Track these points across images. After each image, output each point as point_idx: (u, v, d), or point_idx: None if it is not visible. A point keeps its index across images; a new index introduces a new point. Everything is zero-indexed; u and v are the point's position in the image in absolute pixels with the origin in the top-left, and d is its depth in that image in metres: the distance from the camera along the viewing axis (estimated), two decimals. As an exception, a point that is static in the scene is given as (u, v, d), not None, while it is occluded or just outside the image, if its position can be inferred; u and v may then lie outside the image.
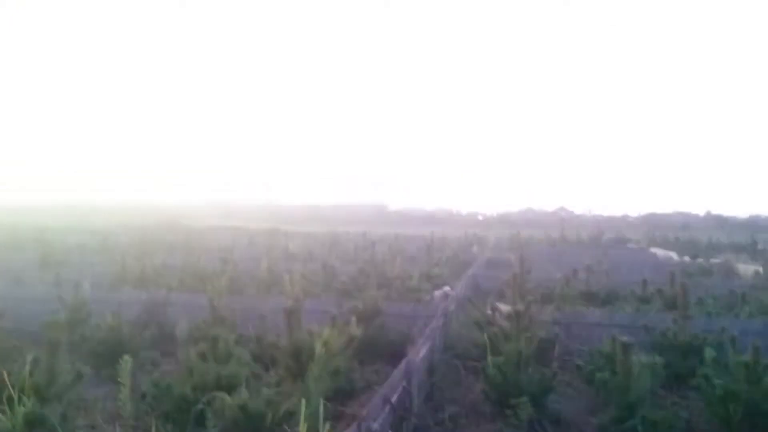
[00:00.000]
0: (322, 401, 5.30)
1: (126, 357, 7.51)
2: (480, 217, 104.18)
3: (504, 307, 12.07)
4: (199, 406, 7.17)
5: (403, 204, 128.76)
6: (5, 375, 7.04)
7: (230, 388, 7.57)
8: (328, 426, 4.99)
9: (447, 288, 16.46)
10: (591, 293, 16.73)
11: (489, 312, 11.98)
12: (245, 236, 38.68)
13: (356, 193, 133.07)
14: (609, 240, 45.32)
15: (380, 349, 10.75)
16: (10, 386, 6.85)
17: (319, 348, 7.02)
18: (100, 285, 15.82)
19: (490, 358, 9.13)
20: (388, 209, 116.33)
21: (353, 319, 9.18)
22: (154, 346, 11.12)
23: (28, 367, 7.38)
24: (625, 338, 8.66)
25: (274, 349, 8.27)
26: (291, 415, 6.64)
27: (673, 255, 31.31)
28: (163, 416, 7.41)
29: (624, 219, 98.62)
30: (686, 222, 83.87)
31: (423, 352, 9.29)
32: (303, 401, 4.95)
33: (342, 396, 8.07)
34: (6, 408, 6.60)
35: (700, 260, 28.40)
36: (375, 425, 5.89)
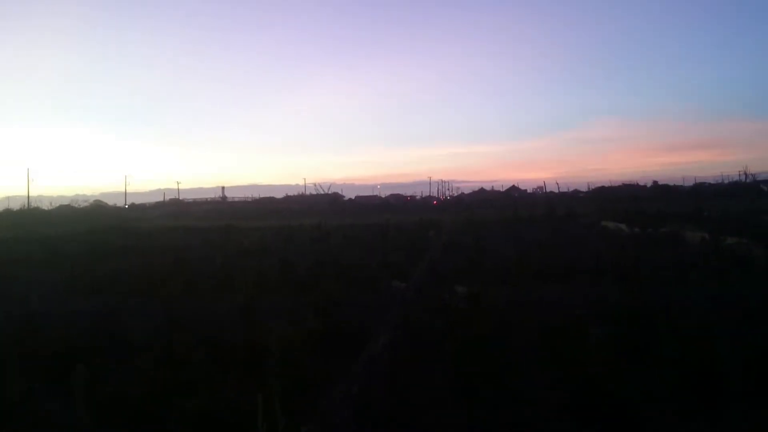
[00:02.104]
0: (277, 396, 5.22)
1: (79, 366, 7.33)
2: (435, 202, 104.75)
3: (461, 290, 12.18)
4: (159, 413, 7.05)
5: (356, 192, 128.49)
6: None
7: (189, 393, 7.46)
8: (284, 421, 4.93)
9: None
10: (545, 270, 16.94)
11: (446, 296, 12.04)
12: (198, 235, 38.13)
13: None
14: (561, 216, 46.01)
15: (340, 341, 10.68)
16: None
17: (274, 344, 6.94)
18: (50, 296, 15.40)
19: (451, 340, 9.18)
20: (342, 199, 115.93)
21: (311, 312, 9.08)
22: (108, 355, 10.88)
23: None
24: (580, 312, 8.81)
25: (231, 349, 8.14)
26: (252, 415, 6.55)
27: (623, 227, 31.94)
28: (122, 425, 7.26)
29: (575, 195, 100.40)
30: (634, 194, 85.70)
31: (383, 340, 9.30)
32: (259, 397, 4.86)
33: (302, 390, 8.00)
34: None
35: (649, 230, 29.08)
36: (337, 418, 5.86)
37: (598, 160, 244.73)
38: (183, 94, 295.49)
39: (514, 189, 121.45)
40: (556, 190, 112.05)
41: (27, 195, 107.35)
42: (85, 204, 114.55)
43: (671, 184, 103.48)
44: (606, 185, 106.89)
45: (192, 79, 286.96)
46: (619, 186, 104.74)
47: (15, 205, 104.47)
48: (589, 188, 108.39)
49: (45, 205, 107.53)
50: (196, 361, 8.38)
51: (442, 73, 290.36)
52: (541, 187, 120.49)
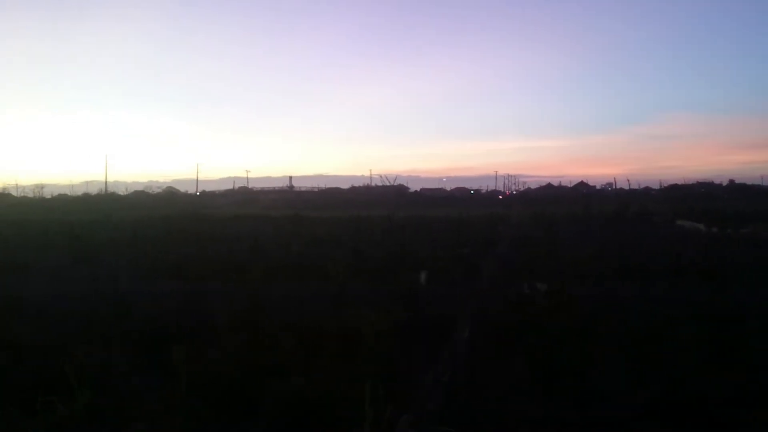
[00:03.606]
0: (381, 384, 5.33)
1: (179, 346, 7.61)
2: (500, 197, 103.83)
3: (540, 286, 12.11)
4: (252, 394, 7.28)
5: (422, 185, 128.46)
6: (63, 367, 7.21)
7: (279, 375, 7.67)
8: (390, 409, 5.04)
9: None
10: (623, 268, 16.63)
11: (526, 291, 11.98)
12: (269, 224, 38.88)
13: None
14: (634, 214, 44.93)
15: (422, 331, 10.77)
16: (69, 377, 7.01)
17: (367, 331, 7.07)
18: (135, 278, 16.03)
19: (532, 335, 9.16)
20: (407, 191, 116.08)
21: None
22: (196, 336, 11.26)
23: (82, 360, 7.56)
24: (666, 311, 8.65)
25: (319, 335, 8.32)
26: (344, 400, 6.71)
27: (701, 227, 31.03)
28: (214, 405, 7.50)
29: (646, 192, 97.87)
30: (709, 192, 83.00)
31: (464, 332, 9.35)
32: (368, 385, 4.99)
33: (392, 378, 8.13)
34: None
35: (728, 231, 28.17)
36: (429, 406, 5.95)
37: (671, 156, 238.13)
38: (252, 84, 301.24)
39: (582, 185, 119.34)
40: (627, 187, 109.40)
41: (105, 180, 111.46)
42: (158, 190, 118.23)
43: (749, 183, 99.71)
44: (679, 183, 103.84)
45: (261, 69, 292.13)
46: (693, 184, 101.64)
47: (93, 190, 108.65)
48: (661, 186, 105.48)
49: (121, 191, 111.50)
50: (284, 345, 8.59)
51: (511, 65, 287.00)
52: (610, 184, 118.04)
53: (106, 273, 17.23)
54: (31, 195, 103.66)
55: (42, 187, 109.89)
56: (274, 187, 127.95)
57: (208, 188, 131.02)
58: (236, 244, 24.38)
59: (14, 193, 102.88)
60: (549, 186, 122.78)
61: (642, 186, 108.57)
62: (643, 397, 8.40)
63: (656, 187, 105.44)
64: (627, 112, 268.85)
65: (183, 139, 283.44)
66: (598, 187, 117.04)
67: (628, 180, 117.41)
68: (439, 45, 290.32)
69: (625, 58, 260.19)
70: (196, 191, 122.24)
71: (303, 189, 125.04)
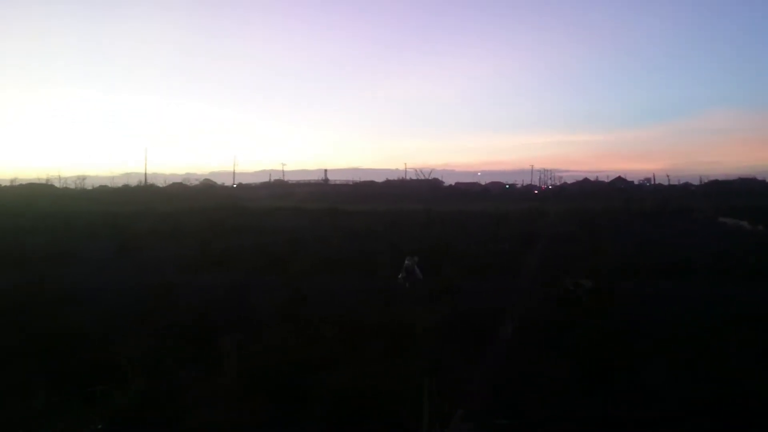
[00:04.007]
0: (433, 379, 5.38)
1: (225, 338, 7.75)
2: (536, 191, 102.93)
3: (584, 282, 12.02)
4: (300, 385, 7.38)
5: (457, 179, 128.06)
6: (116, 356, 7.40)
7: (326, 368, 7.76)
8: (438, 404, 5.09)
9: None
10: (666, 265, 16.40)
11: (570, 287, 11.90)
12: (305, 217, 39.15)
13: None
14: (674, 210, 44.19)
15: (462, 326, 10.77)
16: (124, 367, 7.20)
17: (418, 326, 7.13)
18: (179, 270, 16.30)
19: (578, 333, 9.11)
20: (442, 185, 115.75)
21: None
22: (239, 328, 11.42)
23: (134, 350, 7.76)
24: (711, 311, 8.53)
25: (364, 329, 8.40)
26: (394, 393, 6.77)
27: (745, 224, 30.39)
28: (263, 396, 7.60)
29: (686, 188, 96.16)
30: (752, 189, 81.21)
31: (508, 328, 9.35)
32: (426, 380, 5.04)
33: (437, 374, 8.17)
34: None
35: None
36: (478, 401, 5.98)
37: (712, 152, 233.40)
38: (287, 78, 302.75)
39: (619, 180, 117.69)
40: (666, 183, 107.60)
41: (144, 172, 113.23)
42: (196, 183, 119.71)
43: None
44: (720, 179, 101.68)
45: (298, 62, 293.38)
46: (735, 180, 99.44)
47: (132, 182, 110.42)
48: (701, 181, 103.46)
49: (159, 183, 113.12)
50: (330, 338, 8.69)
51: (546, 58, 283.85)
52: (648, 179, 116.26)
53: (149, 264, 17.57)
54: (72, 186, 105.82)
55: (84, 178, 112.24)
56: (309, 180, 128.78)
57: (245, 181, 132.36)
58: (275, 237, 24.63)
59: (57, 185, 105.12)
60: (586, 181, 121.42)
61: (681, 182, 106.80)
62: (688, 397, 8.32)
63: (696, 182, 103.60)
64: (666, 107, 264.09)
65: (220, 132, 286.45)
66: (636, 182, 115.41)
67: (668, 175, 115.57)
68: (476, 37, 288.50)
69: (665, 52, 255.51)
70: (233, 184, 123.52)
71: (338, 182, 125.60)
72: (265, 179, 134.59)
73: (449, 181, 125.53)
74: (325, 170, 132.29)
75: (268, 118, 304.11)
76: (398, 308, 8.78)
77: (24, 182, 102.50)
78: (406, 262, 13.66)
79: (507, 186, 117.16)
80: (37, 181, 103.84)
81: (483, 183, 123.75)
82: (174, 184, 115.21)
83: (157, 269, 15.97)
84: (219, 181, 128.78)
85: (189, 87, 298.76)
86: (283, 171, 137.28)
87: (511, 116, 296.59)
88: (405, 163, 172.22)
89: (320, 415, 6.72)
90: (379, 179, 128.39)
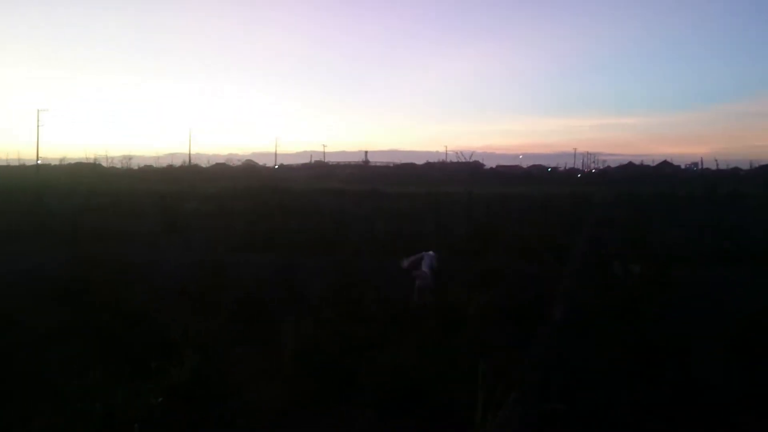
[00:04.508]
0: (486, 364, 5.36)
1: (286, 318, 7.82)
2: (578, 175, 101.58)
3: (634, 267, 11.84)
4: (350, 365, 7.45)
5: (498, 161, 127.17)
6: (171, 333, 7.56)
7: (376, 349, 7.81)
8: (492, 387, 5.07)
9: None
10: (719, 252, 16.03)
11: (619, 273, 11.75)
12: (347, 199, 39.30)
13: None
14: (724, 195, 43.09)
15: (510, 310, 10.71)
16: (178, 343, 7.35)
17: (471, 309, 7.11)
18: (226, 249, 16.52)
19: (628, 319, 8.99)
20: (483, 167, 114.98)
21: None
22: (287, 308, 11.54)
23: (191, 326, 7.91)
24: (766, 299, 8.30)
25: (415, 310, 8.41)
26: (443, 375, 6.78)
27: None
28: (314, 375, 7.68)
29: (735, 173, 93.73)
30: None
31: (556, 314, 9.25)
32: (482, 363, 5.03)
33: (487, 357, 8.16)
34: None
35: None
36: (532, 383, 5.96)
37: (763, 135, 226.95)
38: (329, 60, 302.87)
39: (665, 164, 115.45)
40: (714, 167, 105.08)
41: (188, 153, 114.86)
42: (238, 163, 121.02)
43: None
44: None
45: (339, 45, 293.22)
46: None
47: (177, 162, 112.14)
48: (751, 166, 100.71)
49: (203, 163, 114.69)
50: (379, 318, 8.73)
51: (590, 40, 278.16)
52: (695, 163, 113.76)
53: (197, 243, 17.85)
54: (119, 166, 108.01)
55: (130, 158, 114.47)
56: (349, 162, 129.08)
57: (286, 161, 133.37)
58: (320, 218, 24.79)
59: (104, 164, 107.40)
60: (630, 165, 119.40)
61: (731, 166, 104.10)
62: (743, 388, 8.13)
63: (746, 167, 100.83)
64: (715, 90, 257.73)
65: (262, 113, 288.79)
66: (682, 166, 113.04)
67: (716, 160, 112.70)
68: (520, 19, 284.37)
69: (716, 32, 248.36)
70: (275, 165, 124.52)
71: (378, 164, 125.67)
72: (306, 160, 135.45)
73: (490, 163, 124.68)
74: (366, 152, 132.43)
75: (309, 99, 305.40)
76: (448, 291, 8.77)
77: (72, 162, 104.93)
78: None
79: (549, 169, 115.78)
80: (85, 161, 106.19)
81: (524, 166, 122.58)
82: (217, 164, 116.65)
83: (205, 248, 16.21)
84: (260, 161, 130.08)
85: (232, 70, 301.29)
86: (323, 152, 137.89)
87: (553, 99, 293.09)
88: (445, 146, 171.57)
89: (369, 395, 6.77)
90: (419, 161, 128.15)
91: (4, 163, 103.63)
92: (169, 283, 11.91)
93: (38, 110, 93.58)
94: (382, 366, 7.05)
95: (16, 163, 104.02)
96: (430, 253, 10.86)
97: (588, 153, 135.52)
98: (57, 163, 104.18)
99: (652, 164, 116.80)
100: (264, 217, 25.25)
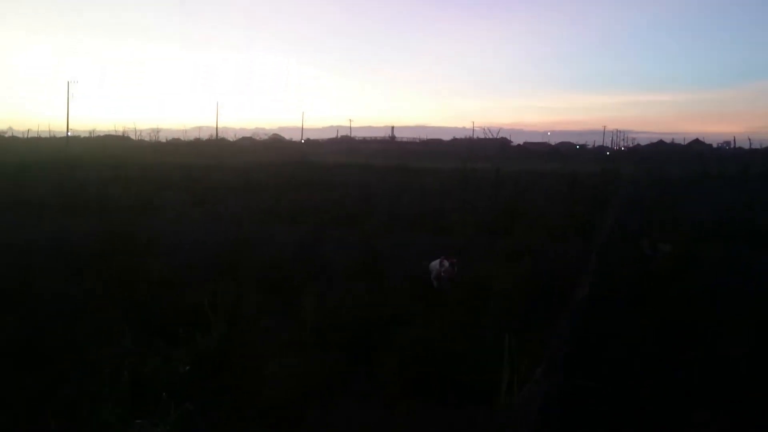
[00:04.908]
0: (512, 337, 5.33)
1: (303, 290, 7.87)
2: (607, 153, 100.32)
3: (663, 246, 11.70)
4: (375, 339, 7.47)
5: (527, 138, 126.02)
6: (198, 302, 7.64)
7: (401, 323, 7.82)
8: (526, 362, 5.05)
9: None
10: (751, 232, 15.72)
11: (648, 251, 11.61)
12: (375, 174, 39.26)
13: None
14: (757, 174, 42.24)
15: (538, 287, 10.64)
16: (206, 312, 7.43)
17: (496, 284, 7.09)
18: (253, 222, 16.62)
19: (656, 297, 8.90)
20: (510, 144, 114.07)
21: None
22: (312, 281, 11.60)
23: (217, 296, 7.99)
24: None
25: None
26: (468, 351, 6.78)
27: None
28: (341, 347, 7.72)
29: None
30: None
31: (582, 291, 9.19)
32: (507, 336, 5.02)
33: (513, 332, 8.13)
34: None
35: None
36: (558, 359, 5.93)
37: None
38: (357, 34, 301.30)
39: (696, 143, 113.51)
40: (747, 146, 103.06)
41: (216, 126, 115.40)
42: (265, 137, 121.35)
43: None
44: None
45: (366, 20, 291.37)
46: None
47: (204, 135, 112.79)
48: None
49: (229, 137, 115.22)
50: (405, 294, 8.73)
51: (620, 15, 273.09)
52: (728, 142, 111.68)
53: (225, 216, 17.98)
54: (147, 139, 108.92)
55: (158, 131, 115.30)
56: (375, 137, 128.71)
57: (312, 136, 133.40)
58: (345, 193, 24.82)
59: (132, 137, 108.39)
60: (660, 143, 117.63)
61: (764, 146, 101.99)
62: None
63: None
64: (749, 66, 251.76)
65: (289, 88, 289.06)
66: (714, 145, 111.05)
67: (749, 138, 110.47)
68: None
69: (749, 9, 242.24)
70: (301, 139, 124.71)
71: (404, 139, 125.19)
72: (332, 135, 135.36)
73: (517, 140, 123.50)
74: (392, 127, 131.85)
75: (336, 74, 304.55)
76: (474, 266, 8.74)
77: (101, 134, 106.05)
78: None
79: (578, 147, 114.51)
80: (114, 134, 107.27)
81: (552, 143, 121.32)
82: (243, 138, 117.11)
83: (232, 221, 16.33)
84: (287, 136, 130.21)
85: (258, 45, 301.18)
86: (350, 127, 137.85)
87: (582, 75, 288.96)
88: (473, 122, 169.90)
89: (393, 368, 6.78)
90: (446, 137, 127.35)
91: (35, 135, 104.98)
92: (196, 254, 12.03)
93: (68, 82, 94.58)
94: (406, 340, 7.06)
95: (47, 135, 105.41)
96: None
97: (617, 131, 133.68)
98: (86, 135, 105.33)
99: (683, 143, 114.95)
100: (290, 191, 25.34)
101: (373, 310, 8.53)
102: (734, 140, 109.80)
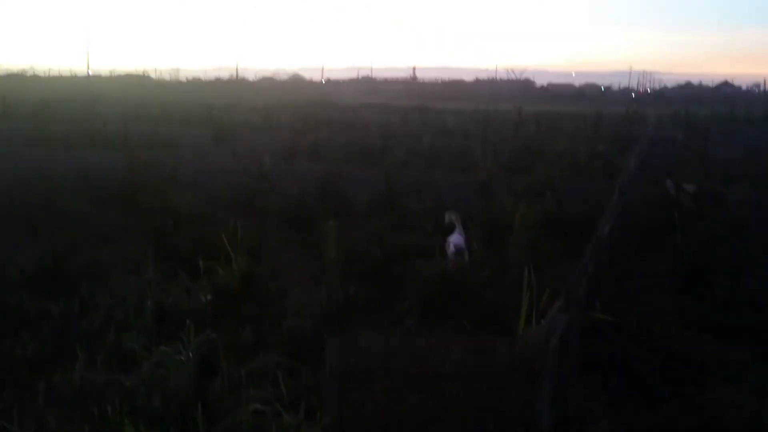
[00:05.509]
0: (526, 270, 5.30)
1: (325, 223, 7.86)
2: (633, 94, 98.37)
3: (687, 186, 11.54)
4: (395, 272, 7.52)
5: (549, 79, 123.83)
6: (222, 236, 7.69)
7: (422, 256, 7.84)
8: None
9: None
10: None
11: (672, 191, 11.47)
12: (396, 113, 38.91)
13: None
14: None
15: (559, 224, 10.59)
16: (227, 246, 7.48)
17: (518, 219, 7.05)
18: (274, 158, 16.59)
19: (680, 236, 8.82)
20: (534, 86, 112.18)
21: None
22: (332, 217, 11.61)
23: (239, 231, 8.04)
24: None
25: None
26: (488, 284, 6.80)
27: None
28: (362, 280, 7.77)
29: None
30: None
31: (604, 228, 9.10)
32: (527, 267, 5.00)
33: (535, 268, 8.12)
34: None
35: None
36: (579, 292, 5.91)
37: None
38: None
39: (725, 85, 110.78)
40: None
41: (236, 66, 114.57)
42: (285, 77, 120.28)
43: None
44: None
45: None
46: None
47: (224, 76, 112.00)
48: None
49: (250, 77, 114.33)
50: (426, 229, 8.73)
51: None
52: (758, 85, 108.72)
53: (245, 152, 17.97)
54: (167, 78, 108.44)
55: (177, 70, 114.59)
56: (397, 78, 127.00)
57: (333, 77, 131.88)
58: (366, 131, 24.68)
59: (153, 76, 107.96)
60: (688, 85, 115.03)
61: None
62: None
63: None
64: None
65: (308, 28, 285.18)
66: (744, 87, 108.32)
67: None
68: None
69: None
70: (321, 80, 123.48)
71: (426, 80, 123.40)
72: (353, 76, 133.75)
73: (541, 82, 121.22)
74: (413, 68, 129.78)
75: (357, 15, 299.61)
76: (495, 202, 8.70)
77: (122, 74, 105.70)
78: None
79: (603, 88, 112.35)
80: (134, 73, 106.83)
81: (577, 85, 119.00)
82: (264, 78, 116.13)
83: (252, 158, 16.31)
84: (307, 77, 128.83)
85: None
86: (371, 68, 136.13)
87: (607, 13, 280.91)
88: (496, 63, 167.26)
89: (413, 299, 6.83)
90: (469, 78, 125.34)
91: (56, 75, 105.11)
92: (218, 189, 12.07)
93: (88, 23, 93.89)
94: (427, 273, 7.09)
95: (68, 75, 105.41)
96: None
97: (644, 72, 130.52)
98: (107, 75, 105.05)
99: (711, 84, 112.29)
100: (310, 130, 25.22)
101: (393, 244, 8.57)
102: (765, 82, 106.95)
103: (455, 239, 7.90)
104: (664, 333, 6.72)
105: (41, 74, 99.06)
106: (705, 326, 7.09)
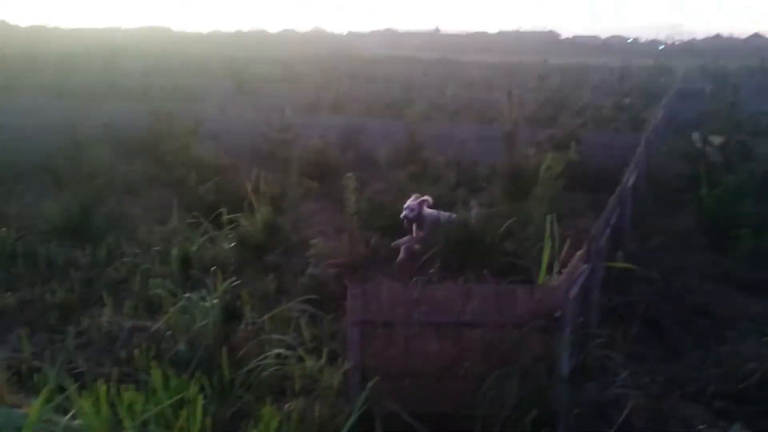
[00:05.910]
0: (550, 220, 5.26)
1: (350, 174, 7.83)
2: (661, 47, 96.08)
3: (714, 139, 11.33)
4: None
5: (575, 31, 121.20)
6: (245, 187, 7.71)
7: (445, 207, 7.81)
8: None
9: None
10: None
11: (698, 143, 11.27)
12: (418, 66, 38.44)
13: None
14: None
15: (583, 175, 10.44)
16: (250, 197, 7.51)
17: (543, 171, 6.99)
18: (296, 111, 16.52)
19: (705, 189, 8.68)
20: (560, 38, 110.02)
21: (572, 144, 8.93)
22: (354, 169, 11.58)
23: (262, 182, 8.04)
24: None
25: (484, 171, 8.32)
26: (510, 235, 6.79)
27: None
28: (380, 231, 7.78)
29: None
30: None
31: (632, 180, 9.00)
32: (551, 217, 4.97)
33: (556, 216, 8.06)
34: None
35: None
36: (601, 243, 5.88)
37: None
38: None
39: (756, 37, 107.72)
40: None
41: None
42: (307, 29, 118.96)
43: None
44: None
45: None
46: None
47: (244, 28, 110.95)
48: None
49: (271, 29, 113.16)
50: (451, 179, 8.68)
51: None
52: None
53: (266, 104, 17.90)
54: (188, 30, 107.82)
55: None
56: (420, 30, 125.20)
57: (354, 30, 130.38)
58: (388, 84, 24.44)
59: (173, 29, 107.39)
60: (717, 37, 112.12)
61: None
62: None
63: None
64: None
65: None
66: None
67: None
68: None
69: None
70: (343, 32, 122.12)
71: (450, 32, 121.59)
72: (372, 29, 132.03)
73: (566, 34, 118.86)
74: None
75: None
76: (520, 153, 8.60)
77: (143, 27, 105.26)
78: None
79: (629, 41, 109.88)
80: (155, 26, 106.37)
81: (602, 37, 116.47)
82: (285, 30, 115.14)
83: (274, 110, 16.25)
84: (329, 29, 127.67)
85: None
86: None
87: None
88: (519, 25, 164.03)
89: (435, 250, 6.83)
90: (492, 30, 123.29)
91: (77, 28, 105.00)
92: (240, 141, 12.06)
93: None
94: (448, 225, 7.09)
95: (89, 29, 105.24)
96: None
97: (672, 24, 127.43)
98: (128, 28, 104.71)
99: (741, 37, 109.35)
100: (332, 82, 25.05)
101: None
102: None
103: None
104: (687, 286, 6.69)
105: (63, 27, 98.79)
106: (728, 280, 7.06)
